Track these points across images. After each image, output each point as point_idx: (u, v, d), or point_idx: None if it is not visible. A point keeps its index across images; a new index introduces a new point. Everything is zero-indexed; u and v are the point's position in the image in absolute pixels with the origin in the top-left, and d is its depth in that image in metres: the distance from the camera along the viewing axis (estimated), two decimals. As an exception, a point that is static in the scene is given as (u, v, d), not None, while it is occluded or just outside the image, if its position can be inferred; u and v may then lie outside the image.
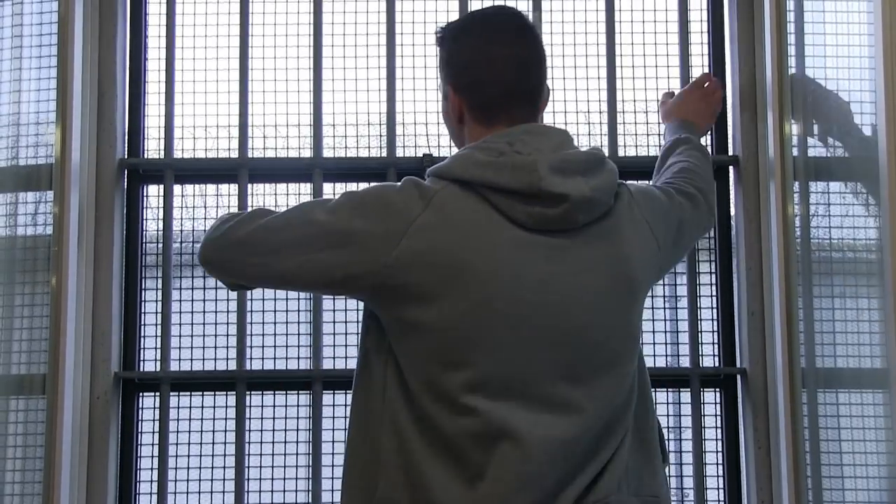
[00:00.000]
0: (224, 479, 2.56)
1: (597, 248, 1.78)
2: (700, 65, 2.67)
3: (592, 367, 1.75)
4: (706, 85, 2.51)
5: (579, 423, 1.72)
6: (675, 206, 1.98)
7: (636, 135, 2.66)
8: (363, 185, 2.17)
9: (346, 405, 2.53)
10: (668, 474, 1.94)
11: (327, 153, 2.63)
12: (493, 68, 1.83)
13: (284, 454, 2.59)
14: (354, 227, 1.73)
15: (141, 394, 2.60)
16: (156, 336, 2.58)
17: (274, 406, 2.60)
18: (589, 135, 2.66)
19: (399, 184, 1.78)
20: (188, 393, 2.60)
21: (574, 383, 1.74)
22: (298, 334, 2.62)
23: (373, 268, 1.72)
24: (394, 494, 1.72)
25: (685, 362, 2.61)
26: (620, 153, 2.61)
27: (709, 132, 2.52)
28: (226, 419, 2.58)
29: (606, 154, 2.56)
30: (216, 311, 2.62)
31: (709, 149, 2.65)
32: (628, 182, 1.92)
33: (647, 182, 2.00)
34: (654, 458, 1.85)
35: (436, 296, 1.71)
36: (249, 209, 1.86)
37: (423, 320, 1.72)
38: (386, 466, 1.73)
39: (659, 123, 2.56)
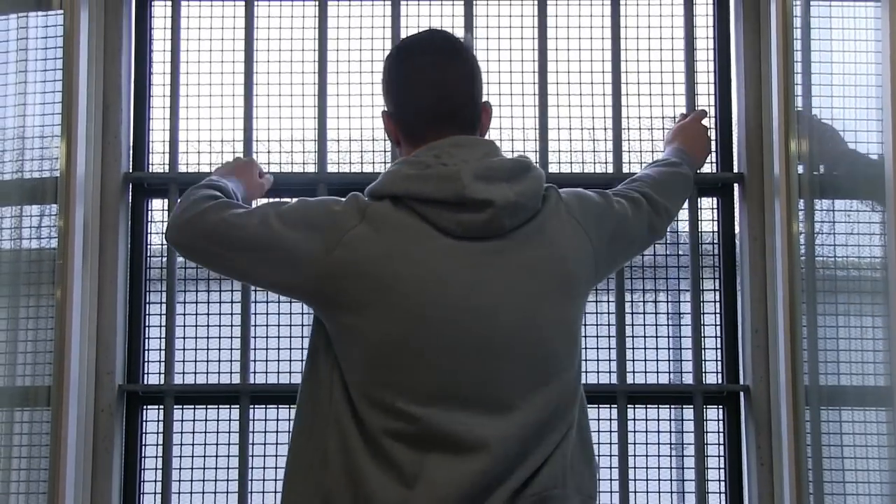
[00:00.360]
0: (227, 493, 2.57)
1: (527, 250, 1.82)
2: (706, 81, 2.66)
3: (528, 367, 1.79)
4: (702, 121, 2.51)
5: (517, 422, 1.77)
6: (611, 208, 1.99)
7: (641, 152, 2.66)
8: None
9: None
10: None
11: (331, 168, 2.64)
12: (413, 92, 1.89)
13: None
14: (296, 235, 1.80)
15: (145, 406, 2.60)
16: (160, 349, 2.59)
17: (277, 420, 2.60)
18: (594, 151, 2.66)
19: (344, 198, 1.85)
20: (192, 406, 2.61)
21: (510, 384, 1.78)
22: (302, 348, 2.61)
23: (308, 275, 1.80)
24: (338, 494, 1.77)
25: (688, 379, 2.61)
26: (625, 170, 2.60)
27: (703, 165, 2.50)
28: (229, 432, 2.59)
29: (610, 170, 2.61)
30: (220, 325, 2.63)
31: (714, 166, 2.65)
32: (562, 189, 1.94)
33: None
34: (592, 460, 1.90)
35: (367, 305, 1.77)
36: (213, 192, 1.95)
37: (357, 328, 1.78)
38: (332, 467, 1.78)
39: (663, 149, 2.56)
